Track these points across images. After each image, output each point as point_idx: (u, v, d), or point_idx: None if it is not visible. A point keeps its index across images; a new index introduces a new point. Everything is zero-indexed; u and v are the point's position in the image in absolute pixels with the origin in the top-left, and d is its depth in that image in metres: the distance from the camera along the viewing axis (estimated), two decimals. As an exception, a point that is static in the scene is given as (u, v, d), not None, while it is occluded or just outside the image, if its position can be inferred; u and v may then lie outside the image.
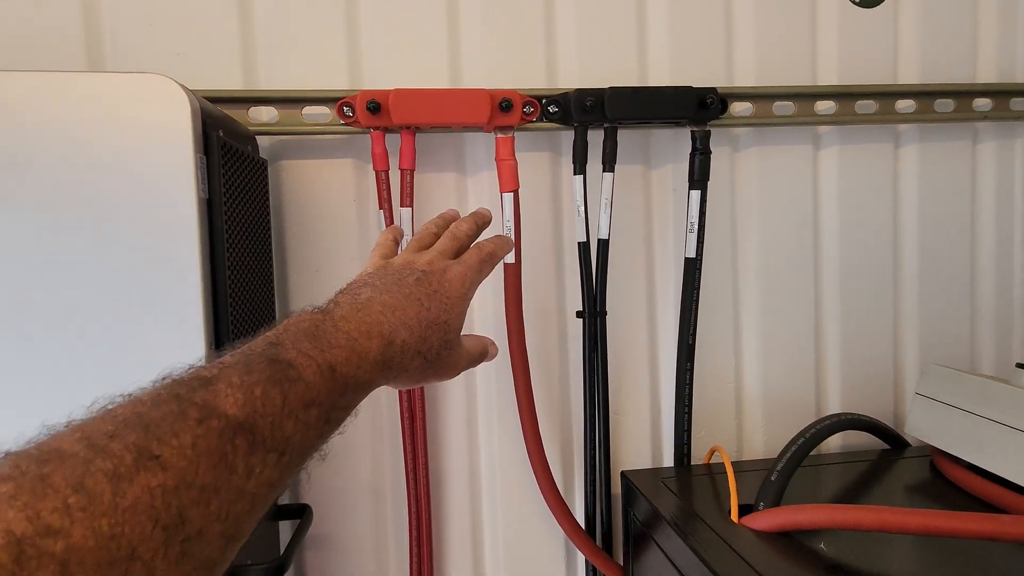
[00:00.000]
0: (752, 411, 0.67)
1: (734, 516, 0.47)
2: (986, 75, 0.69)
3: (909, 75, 0.68)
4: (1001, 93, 0.67)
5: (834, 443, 0.67)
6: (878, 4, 0.67)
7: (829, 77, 0.67)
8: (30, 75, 0.38)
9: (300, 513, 0.53)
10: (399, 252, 0.38)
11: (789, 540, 0.44)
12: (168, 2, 0.56)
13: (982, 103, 0.67)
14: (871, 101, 0.65)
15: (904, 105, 0.66)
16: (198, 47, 0.57)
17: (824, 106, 0.64)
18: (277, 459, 0.23)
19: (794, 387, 0.67)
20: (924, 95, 0.66)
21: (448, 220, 0.40)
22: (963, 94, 0.66)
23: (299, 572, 0.60)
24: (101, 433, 0.19)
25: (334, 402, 0.26)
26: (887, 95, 0.65)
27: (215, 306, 0.41)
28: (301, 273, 0.60)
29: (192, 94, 0.40)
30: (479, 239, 0.40)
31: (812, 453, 0.53)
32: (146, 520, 0.18)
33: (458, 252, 0.37)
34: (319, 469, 0.60)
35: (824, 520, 0.43)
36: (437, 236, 0.39)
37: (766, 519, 0.45)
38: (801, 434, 0.53)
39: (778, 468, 0.50)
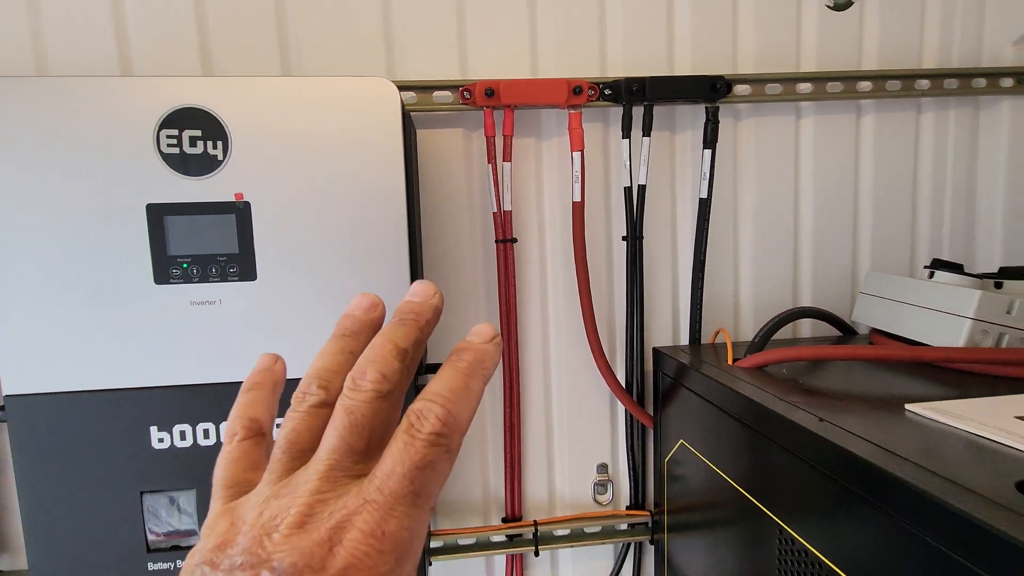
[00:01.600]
0: (746, 309, 0.92)
1: (729, 361, 0.73)
2: (928, 62, 0.92)
3: (869, 63, 0.91)
4: (937, 75, 0.89)
5: (805, 331, 0.93)
6: (847, 7, 0.90)
7: (809, 65, 0.90)
8: (288, 80, 0.63)
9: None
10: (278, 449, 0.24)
11: (764, 371, 0.70)
12: (332, 23, 0.80)
13: (923, 83, 0.90)
14: (838, 83, 0.88)
15: (864, 85, 0.89)
16: (353, 51, 0.81)
17: (803, 87, 0.88)
18: None
19: (777, 292, 0.93)
20: (879, 78, 0.88)
21: (350, 335, 0.26)
22: (908, 76, 0.89)
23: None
24: None
25: None
26: (851, 78, 0.88)
27: (411, 229, 0.66)
28: (427, 210, 0.85)
29: (395, 85, 0.65)
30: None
31: (789, 339, 0.78)
32: None
33: (371, 439, 0.23)
34: (445, 349, 0.86)
35: (781, 356, 0.68)
36: (323, 411, 0.24)
37: (749, 360, 0.71)
38: (775, 317, 0.78)
39: (758, 336, 0.75)
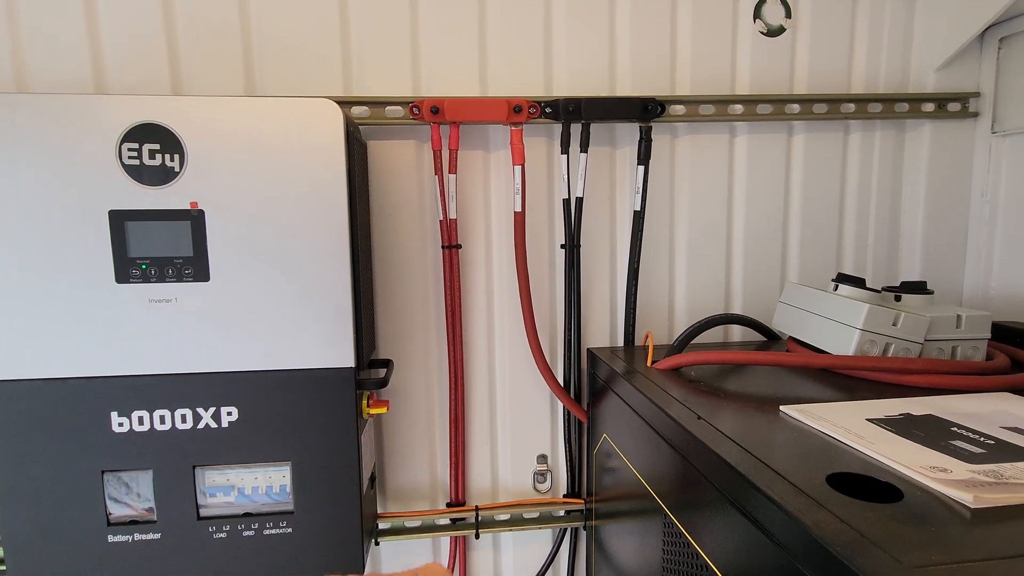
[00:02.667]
0: (680, 314, 0.99)
1: (648, 363, 0.80)
2: (856, 87, 0.98)
3: (800, 86, 0.97)
4: (862, 100, 0.96)
5: (736, 336, 1.00)
6: (780, 34, 0.96)
7: (743, 88, 0.96)
8: (240, 100, 0.69)
9: (386, 364, 0.86)
10: None
11: (677, 373, 0.76)
12: (294, 43, 0.86)
13: (849, 107, 0.96)
14: (768, 105, 0.94)
15: (793, 108, 0.95)
16: (313, 68, 0.87)
17: (735, 108, 0.94)
18: None
19: (710, 299, 0.99)
20: (807, 101, 0.95)
21: None
22: (834, 100, 0.95)
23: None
24: None
25: None
26: (780, 101, 0.94)
27: (352, 234, 0.73)
28: (380, 215, 0.91)
29: (339, 106, 0.71)
30: None
31: (720, 341, 0.84)
32: None
33: None
34: (396, 347, 0.93)
35: (690, 360, 0.75)
36: None
37: (664, 363, 0.78)
38: (695, 323, 0.85)
39: (677, 341, 0.82)
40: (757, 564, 0.44)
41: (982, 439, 0.51)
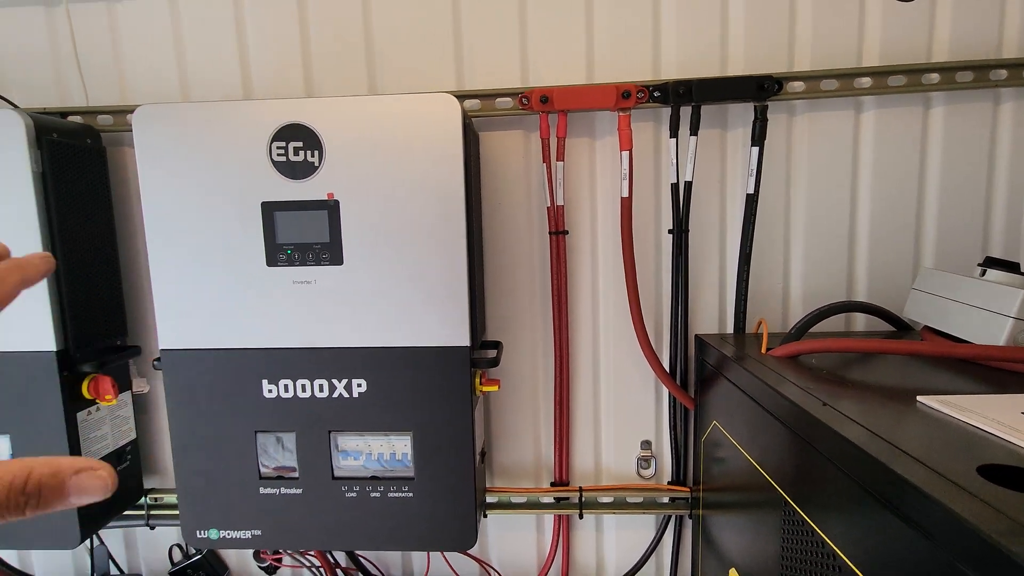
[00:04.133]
0: (796, 301, 0.94)
1: (763, 350, 0.77)
2: (1008, 51, 0.88)
3: (940, 54, 0.88)
4: (1015, 65, 0.85)
5: (859, 327, 0.94)
6: (916, -2, 0.88)
7: (871, 59, 0.89)
8: (369, 99, 0.75)
9: (496, 345, 0.90)
10: None
11: (795, 361, 0.74)
12: (410, 42, 0.91)
13: (1000, 73, 0.86)
14: (902, 76, 0.87)
15: (931, 78, 0.87)
16: (427, 65, 0.92)
17: (863, 82, 0.87)
18: None
19: (829, 285, 0.94)
20: (948, 69, 0.86)
21: None
22: (982, 67, 0.86)
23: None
24: None
25: None
26: (916, 71, 0.86)
27: (468, 222, 0.77)
28: (489, 203, 0.95)
29: (456, 100, 0.75)
30: None
31: (841, 330, 0.80)
32: None
33: None
34: (503, 330, 0.97)
35: (810, 347, 0.72)
36: None
37: (782, 349, 0.75)
38: (815, 310, 0.81)
39: (795, 328, 0.79)
40: (899, 555, 0.42)
41: None
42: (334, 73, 0.93)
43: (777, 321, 0.95)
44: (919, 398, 0.57)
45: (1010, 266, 0.72)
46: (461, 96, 0.90)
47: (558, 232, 0.91)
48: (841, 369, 0.70)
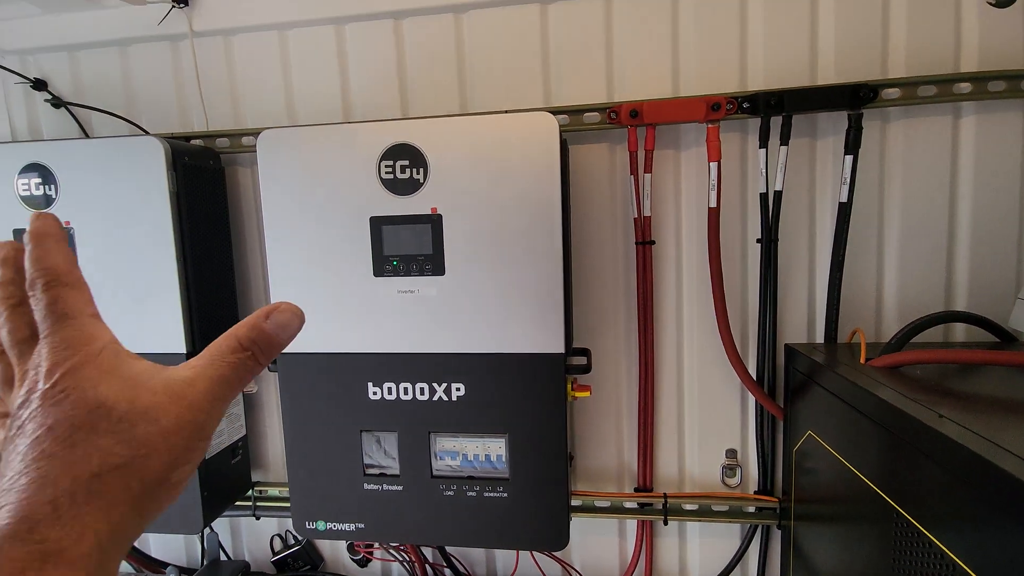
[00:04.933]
0: (890, 311, 0.93)
1: (862, 360, 0.77)
2: (1126, 48, 0.84)
3: (1046, 55, 0.85)
4: None
5: (959, 338, 0.91)
6: (1010, 5, 0.85)
7: (970, 64, 0.87)
8: (469, 118, 0.79)
9: (585, 352, 0.93)
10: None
11: (898, 372, 0.73)
12: (501, 62, 0.96)
13: (1116, 73, 0.82)
14: (1002, 81, 0.84)
15: (1037, 80, 0.84)
16: (516, 83, 0.96)
17: (962, 87, 0.85)
18: None
19: (926, 295, 0.91)
20: (1057, 71, 0.83)
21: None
22: (1096, 68, 0.82)
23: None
24: None
25: None
26: (1018, 76, 0.84)
27: (564, 234, 0.80)
28: (577, 214, 0.98)
29: (554, 117, 0.78)
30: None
31: (940, 341, 0.78)
32: None
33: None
34: (590, 337, 0.99)
35: (914, 358, 0.71)
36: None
37: (882, 360, 0.74)
38: (916, 320, 0.79)
39: (895, 338, 0.78)
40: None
41: None
42: (428, 93, 0.99)
43: (870, 331, 0.93)
44: (1043, 411, 0.56)
45: None
46: (551, 112, 0.93)
47: (645, 242, 0.93)
48: (945, 380, 0.69)
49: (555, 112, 0.93)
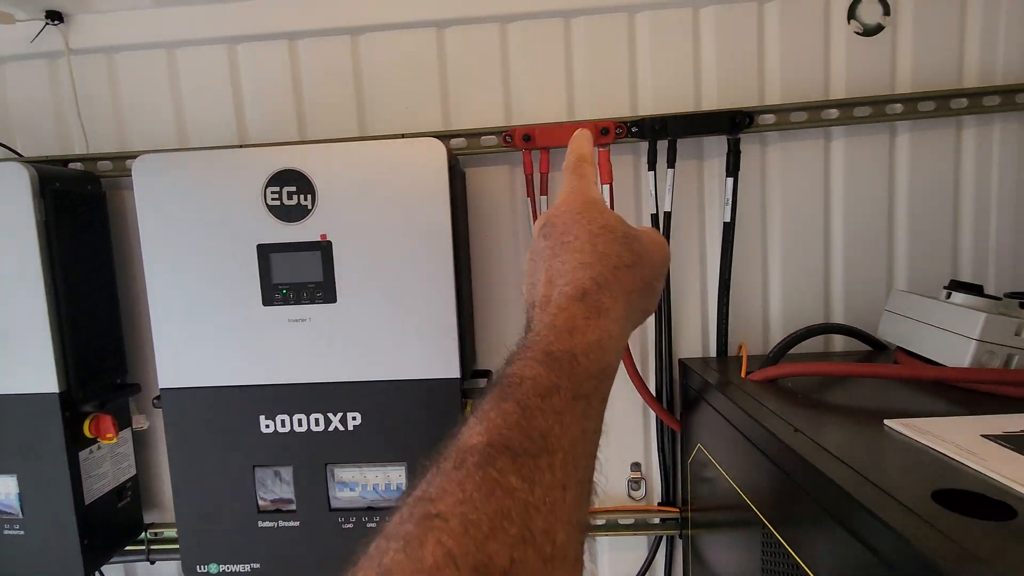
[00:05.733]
0: (776, 324, 0.98)
1: (743, 374, 0.80)
2: (969, 81, 0.92)
3: (903, 85, 0.93)
4: (975, 94, 0.90)
5: (838, 348, 0.97)
6: (877, 33, 0.92)
7: (838, 91, 0.93)
8: (358, 144, 0.78)
9: (487, 374, 0.93)
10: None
11: (773, 384, 0.76)
12: (397, 83, 0.96)
13: (960, 102, 0.91)
14: (867, 107, 0.91)
15: (895, 108, 0.91)
16: (415, 106, 0.96)
17: (830, 113, 0.92)
18: (548, 458, 0.24)
19: (807, 308, 0.97)
20: (910, 99, 0.91)
21: None
22: (943, 97, 0.90)
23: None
24: (394, 522, 0.22)
25: (573, 381, 0.28)
26: (880, 102, 0.91)
27: (456, 258, 0.80)
28: (476, 235, 0.99)
29: (441, 142, 0.78)
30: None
31: (821, 351, 0.83)
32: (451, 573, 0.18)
33: None
34: (493, 358, 0.99)
35: (786, 372, 0.75)
36: None
37: (759, 374, 0.78)
38: (792, 334, 0.84)
39: (772, 352, 0.82)
40: (858, 576, 0.45)
41: (1117, 459, 0.48)
42: (326, 117, 0.97)
43: (758, 344, 0.98)
44: (886, 422, 0.60)
45: (974, 288, 0.75)
46: (447, 135, 0.94)
47: (544, 263, 0.94)
48: (817, 392, 0.73)
49: (452, 135, 0.94)
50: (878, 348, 0.91)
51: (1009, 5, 0.90)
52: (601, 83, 0.95)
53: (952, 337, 0.72)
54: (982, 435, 0.55)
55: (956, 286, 0.76)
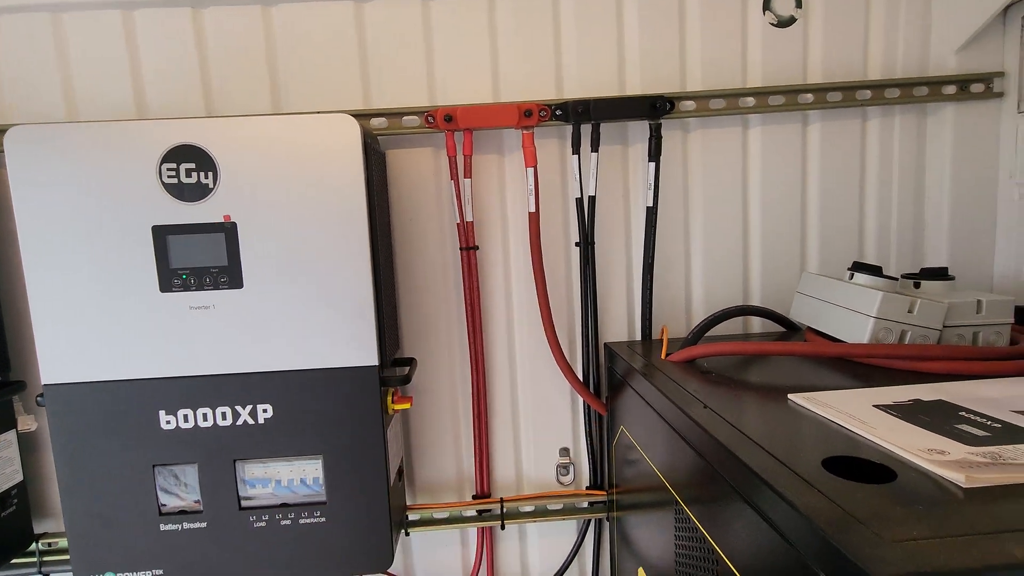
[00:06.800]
0: (698, 307, 1.00)
1: (663, 356, 0.81)
2: (873, 73, 0.97)
3: (814, 75, 0.96)
4: (878, 86, 0.94)
5: (757, 328, 1.00)
6: (790, 24, 0.95)
7: (755, 80, 0.96)
8: (264, 119, 0.74)
9: (410, 362, 0.90)
10: None
11: (692, 365, 0.78)
12: (315, 61, 0.91)
13: (864, 94, 0.95)
14: (780, 96, 0.94)
15: (806, 98, 0.94)
16: (334, 83, 0.92)
17: (746, 101, 0.94)
18: None
19: (728, 291, 1.00)
20: (820, 90, 0.94)
21: None
22: (849, 88, 0.94)
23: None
24: None
25: None
26: (792, 91, 0.94)
27: (372, 240, 0.77)
28: (402, 220, 0.95)
29: (356, 120, 0.75)
30: None
31: (741, 332, 0.85)
32: None
33: None
34: (418, 345, 0.97)
35: (701, 352, 0.76)
36: None
37: (677, 355, 0.79)
38: (711, 315, 0.86)
39: (691, 334, 0.83)
40: (758, 547, 0.46)
41: (989, 423, 0.51)
42: (236, 93, 0.91)
43: (681, 326, 1.00)
44: (790, 396, 0.61)
45: (873, 270, 0.79)
46: (367, 115, 0.90)
47: (469, 248, 0.92)
48: (732, 371, 0.74)
49: (372, 115, 0.90)
50: (791, 328, 0.94)
51: (908, 3, 0.95)
52: (526, 65, 0.93)
53: (853, 315, 0.76)
54: (874, 405, 0.57)
55: (858, 267, 0.80)
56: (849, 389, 0.63)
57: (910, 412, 0.54)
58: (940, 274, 0.79)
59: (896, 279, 0.78)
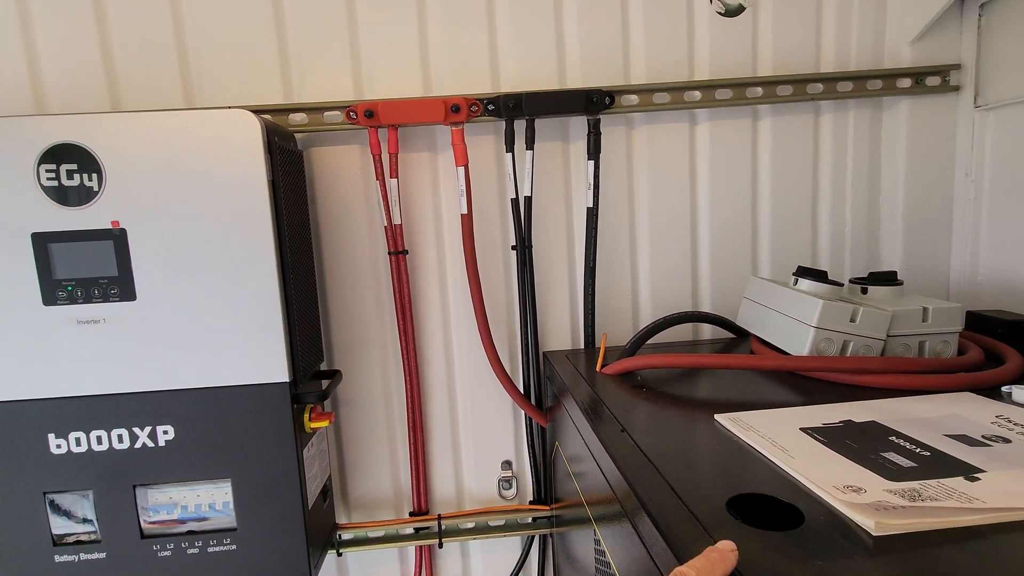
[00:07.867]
0: (644, 313, 0.95)
1: (598, 367, 0.76)
2: (825, 66, 0.92)
3: (764, 68, 0.91)
4: (830, 79, 0.90)
5: (707, 335, 0.95)
6: (739, 14, 0.90)
7: (703, 73, 0.91)
8: (154, 115, 0.68)
9: (334, 375, 0.85)
10: None
11: (625, 377, 0.73)
12: (231, 51, 0.84)
13: (816, 87, 0.90)
14: (728, 90, 0.89)
15: (755, 91, 0.90)
16: (255, 77, 0.85)
17: (692, 95, 0.89)
18: None
19: (676, 296, 0.95)
20: (770, 83, 0.89)
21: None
22: (800, 81, 0.90)
23: (336, 424, 0.93)
24: None
25: None
26: (740, 84, 0.89)
27: (280, 246, 0.71)
28: (327, 223, 0.89)
29: (259, 116, 0.69)
30: None
31: (689, 340, 0.80)
32: None
33: None
34: (351, 357, 0.91)
35: (634, 365, 0.72)
36: None
37: (611, 368, 0.74)
38: (651, 323, 0.81)
39: (629, 343, 0.78)
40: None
41: (918, 450, 0.46)
42: (144, 86, 0.84)
43: (627, 333, 0.95)
44: (716, 416, 0.57)
45: (819, 275, 0.74)
46: (285, 110, 0.84)
47: (397, 252, 0.87)
48: (667, 384, 0.70)
49: (291, 110, 0.84)
50: (740, 335, 0.90)
51: (862, -9, 0.91)
52: (459, 57, 0.88)
53: (796, 324, 0.71)
54: (801, 428, 0.52)
55: (803, 272, 0.75)
56: (781, 408, 0.58)
57: (837, 437, 0.50)
58: (888, 279, 0.75)
59: (842, 285, 0.74)
